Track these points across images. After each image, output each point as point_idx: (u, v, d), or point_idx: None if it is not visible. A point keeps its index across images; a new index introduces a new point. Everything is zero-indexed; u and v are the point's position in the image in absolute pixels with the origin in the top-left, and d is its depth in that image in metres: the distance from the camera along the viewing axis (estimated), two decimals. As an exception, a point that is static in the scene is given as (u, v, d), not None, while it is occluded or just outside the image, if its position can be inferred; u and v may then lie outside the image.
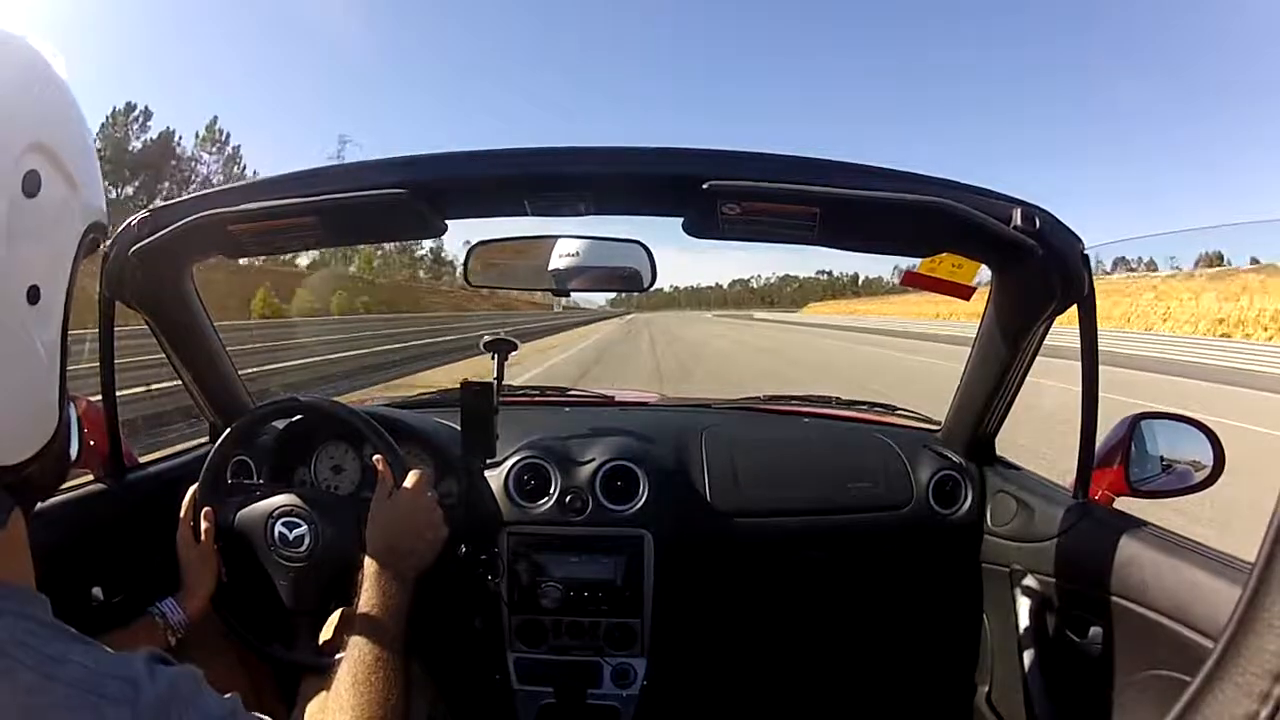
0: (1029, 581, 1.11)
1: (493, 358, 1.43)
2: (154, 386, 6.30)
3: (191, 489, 1.04)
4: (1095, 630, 0.96)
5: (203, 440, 1.34)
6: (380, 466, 0.96)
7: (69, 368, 0.49)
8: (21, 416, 0.44)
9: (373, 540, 0.90)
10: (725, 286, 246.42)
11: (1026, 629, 1.10)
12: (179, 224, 0.93)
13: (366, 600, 0.85)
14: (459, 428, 1.24)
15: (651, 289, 1.16)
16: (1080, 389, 1.00)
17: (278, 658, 1.02)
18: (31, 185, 0.42)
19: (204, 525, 1.01)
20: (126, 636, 0.88)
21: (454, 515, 1.21)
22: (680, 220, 0.99)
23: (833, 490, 1.33)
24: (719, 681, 1.43)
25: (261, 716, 0.50)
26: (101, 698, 0.39)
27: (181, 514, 1.02)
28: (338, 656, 1.00)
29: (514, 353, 1.47)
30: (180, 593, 0.96)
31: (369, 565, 0.88)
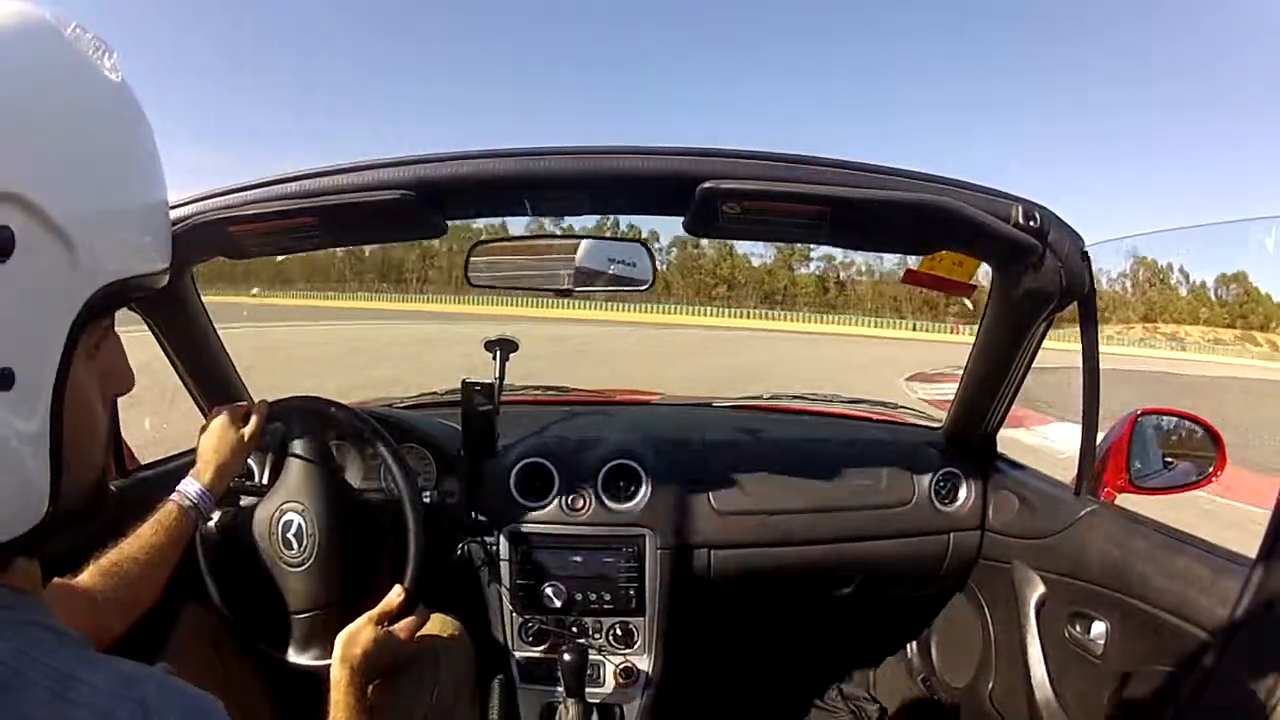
0: (1030, 578, 1.11)
1: (494, 357, 1.43)
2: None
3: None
4: (1097, 626, 0.96)
5: None
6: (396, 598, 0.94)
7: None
8: None
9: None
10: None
11: (1028, 625, 1.10)
12: (179, 224, 0.93)
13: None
14: (460, 427, 1.25)
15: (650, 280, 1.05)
16: (1081, 387, 1.00)
17: (278, 659, 1.02)
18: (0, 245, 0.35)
19: (262, 410, 1.00)
20: (150, 527, 0.85)
21: (455, 515, 1.21)
22: (681, 219, 0.99)
23: (834, 489, 1.33)
24: (721, 679, 1.43)
25: None
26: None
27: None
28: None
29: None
30: (197, 469, 0.93)
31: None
